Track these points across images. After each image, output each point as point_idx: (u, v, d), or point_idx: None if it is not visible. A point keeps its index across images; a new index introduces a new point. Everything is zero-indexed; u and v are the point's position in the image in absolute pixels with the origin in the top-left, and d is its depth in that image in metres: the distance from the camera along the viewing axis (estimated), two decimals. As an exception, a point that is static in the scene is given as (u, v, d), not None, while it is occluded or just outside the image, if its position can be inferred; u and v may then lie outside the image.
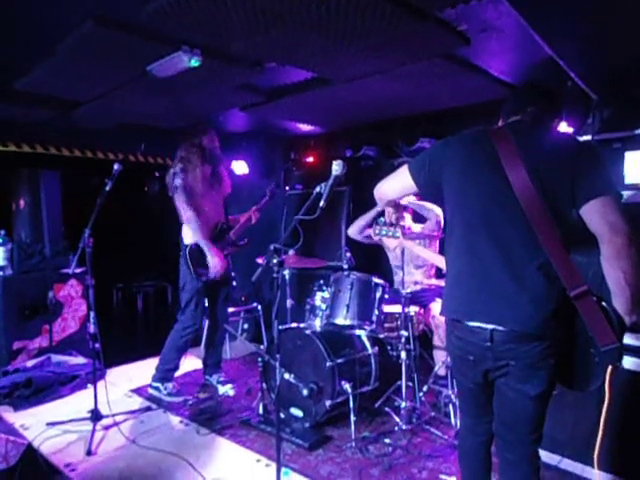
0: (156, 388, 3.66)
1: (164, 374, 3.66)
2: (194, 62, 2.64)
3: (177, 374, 4.15)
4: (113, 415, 3.21)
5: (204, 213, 3.49)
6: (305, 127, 4.81)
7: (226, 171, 3.70)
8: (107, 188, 3.26)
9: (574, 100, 3.13)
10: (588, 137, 3.22)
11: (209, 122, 3.82)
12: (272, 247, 2.09)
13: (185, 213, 3.40)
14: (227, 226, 3.65)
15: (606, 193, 1.56)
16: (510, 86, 3.30)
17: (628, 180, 3.09)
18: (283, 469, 2.53)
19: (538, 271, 1.58)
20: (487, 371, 1.71)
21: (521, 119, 1.78)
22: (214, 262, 3.45)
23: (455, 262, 1.77)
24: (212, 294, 3.81)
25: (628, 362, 2.34)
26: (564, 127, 3.31)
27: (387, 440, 2.94)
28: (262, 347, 4.68)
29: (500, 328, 1.61)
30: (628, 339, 2.32)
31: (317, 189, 2.00)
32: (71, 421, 3.21)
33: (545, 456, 2.56)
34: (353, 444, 2.90)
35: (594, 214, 1.56)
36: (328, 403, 3.00)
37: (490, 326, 1.62)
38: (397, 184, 1.91)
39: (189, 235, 3.49)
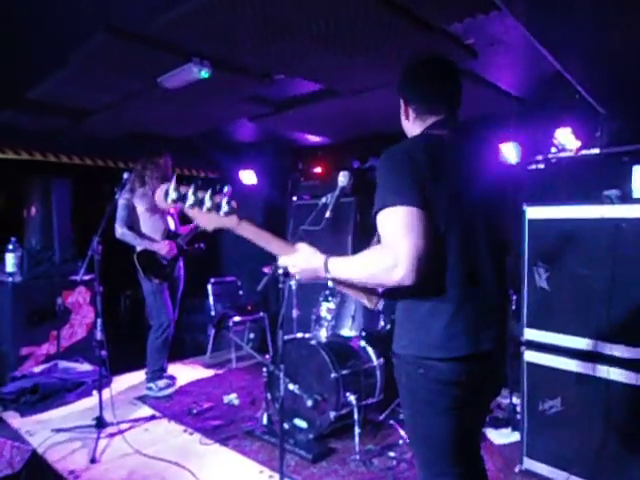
0: (149, 388, 3.96)
1: (153, 374, 3.97)
2: (204, 73, 2.68)
3: (182, 383, 4.19)
4: (118, 423, 3.21)
5: (151, 224, 3.89)
6: (313, 138, 4.84)
7: None
8: (116, 197, 3.32)
9: (581, 113, 3.12)
10: (596, 150, 3.21)
11: (167, 145, 4.20)
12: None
13: (118, 229, 3.77)
14: (174, 234, 4.01)
15: None
16: (516, 98, 3.31)
17: (636, 194, 3.05)
18: (286, 481, 2.51)
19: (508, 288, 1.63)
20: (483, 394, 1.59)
21: (444, 119, 1.58)
22: (161, 249, 3.84)
23: (454, 290, 1.45)
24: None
25: (623, 375, 2.30)
26: (573, 140, 3.30)
27: (392, 453, 2.91)
28: (267, 357, 4.67)
29: (495, 348, 1.51)
30: (622, 352, 2.30)
31: (323, 200, 2.01)
32: (76, 428, 3.22)
33: (552, 473, 2.52)
34: (357, 457, 2.88)
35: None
36: (332, 415, 2.98)
37: (492, 347, 1.50)
38: (420, 231, 1.36)
39: (137, 244, 3.86)
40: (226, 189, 1.47)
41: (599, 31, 2.09)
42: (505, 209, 1.62)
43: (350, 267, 1.48)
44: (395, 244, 1.35)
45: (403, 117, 1.66)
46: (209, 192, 1.45)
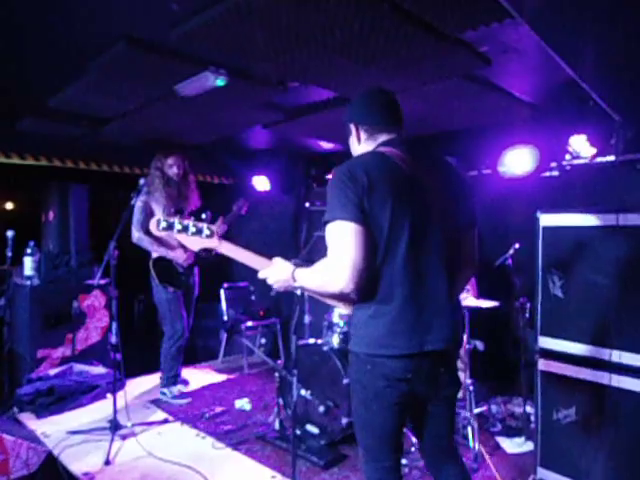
0: (163, 393, 3.98)
1: (167, 380, 3.99)
2: (220, 82, 2.72)
3: (194, 387, 4.21)
4: (131, 426, 3.25)
5: None
6: (326, 145, 4.86)
7: (195, 190, 4.06)
8: (132, 202, 3.37)
9: (596, 120, 3.10)
10: (611, 158, 3.18)
11: (181, 146, 4.10)
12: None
13: (134, 233, 3.76)
14: None
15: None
16: (530, 105, 3.30)
17: (653, 201, 3.03)
18: (298, 486, 2.51)
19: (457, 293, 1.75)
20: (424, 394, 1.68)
21: (396, 138, 1.73)
22: (178, 257, 3.85)
23: (396, 294, 1.57)
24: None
25: (638, 385, 2.28)
26: (588, 147, 3.28)
27: (404, 461, 2.89)
28: (279, 362, 4.68)
29: (447, 348, 1.64)
30: (638, 361, 2.27)
31: (336, 206, 2.03)
32: (91, 430, 3.26)
33: (567, 483, 2.50)
34: (369, 463, 2.87)
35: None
36: (344, 421, 2.98)
37: (439, 347, 1.61)
38: (357, 244, 1.49)
39: (153, 250, 3.84)
40: (204, 216, 1.79)
41: (614, 38, 2.09)
42: (462, 221, 1.73)
43: (306, 278, 1.64)
44: (336, 257, 1.50)
45: (355, 143, 1.80)
46: (192, 220, 1.77)
